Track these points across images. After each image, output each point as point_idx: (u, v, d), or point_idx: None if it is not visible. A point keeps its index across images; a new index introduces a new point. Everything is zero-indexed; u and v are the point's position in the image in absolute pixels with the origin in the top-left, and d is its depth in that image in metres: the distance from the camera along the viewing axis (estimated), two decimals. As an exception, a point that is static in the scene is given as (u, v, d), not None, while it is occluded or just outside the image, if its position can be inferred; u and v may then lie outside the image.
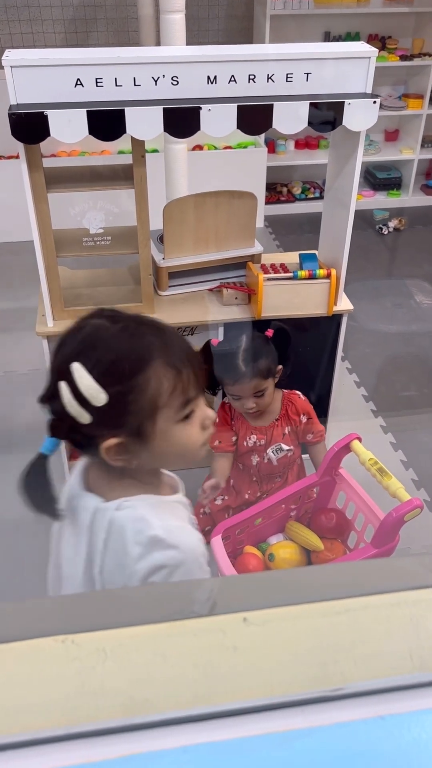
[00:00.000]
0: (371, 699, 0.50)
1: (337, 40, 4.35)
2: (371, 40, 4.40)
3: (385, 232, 4.30)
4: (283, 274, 2.06)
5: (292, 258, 2.25)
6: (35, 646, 0.52)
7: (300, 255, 2.12)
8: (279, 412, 1.93)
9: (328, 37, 4.35)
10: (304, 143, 4.62)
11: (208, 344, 1.97)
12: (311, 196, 4.59)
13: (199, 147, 4.18)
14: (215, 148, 4.21)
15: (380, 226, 4.34)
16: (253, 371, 1.77)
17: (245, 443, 1.92)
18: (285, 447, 1.91)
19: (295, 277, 2.04)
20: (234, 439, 1.93)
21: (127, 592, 0.65)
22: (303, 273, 2.03)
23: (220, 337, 2.16)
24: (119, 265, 2.39)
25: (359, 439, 1.77)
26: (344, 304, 2.15)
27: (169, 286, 2.20)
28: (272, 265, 2.15)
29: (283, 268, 2.13)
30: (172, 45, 2.69)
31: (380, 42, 4.37)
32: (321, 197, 3.65)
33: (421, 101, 4.40)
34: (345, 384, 2.91)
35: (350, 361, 3.06)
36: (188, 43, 2.88)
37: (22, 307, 3.43)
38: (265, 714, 0.49)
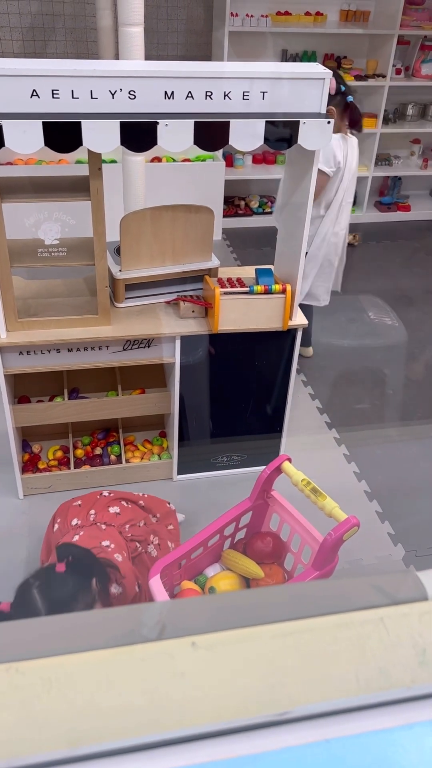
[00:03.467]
0: (318, 722, 0.50)
1: (294, 59, 4.43)
2: (327, 59, 4.49)
3: (340, 247, 4.38)
4: (239, 289, 2.08)
5: (248, 272, 2.27)
6: (-22, 676, 0.50)
7: (256, 270, 2.14)
8: None
9: (285, 55, 4.43)
10: (261, 158, 4.68)
11: None
12: (268, 210, 4.65)
13: (158, 159, 4.19)
14: (174, 160, 4.22)
15: (335, 241, 4.42)
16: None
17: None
18: None
19: (251, 292, 2.06)
20: None
21: (74, 617, 0.64)
22: (259, 288, 2.05)
23: (178, 351, 2.16)
24: (74, 275, 2.36)
25: (289, 460, 1.76)
26: (299, 318, 2.18)
27: (126, 298, 2.19)
28: (229, 279, 2.16)
29: (240, 282, 2.15)
30: (130, 58, 2.69)
31: (336, 61, 4.48)
32: (278, 212, 3.69)
33: (375, 120, 4.52)
34: (300, 397, 2.95)
35: (305, 374, 3.10)
36: (147, 57, 2.88)
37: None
38: (214, 740, 0.49)
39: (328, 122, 1.75)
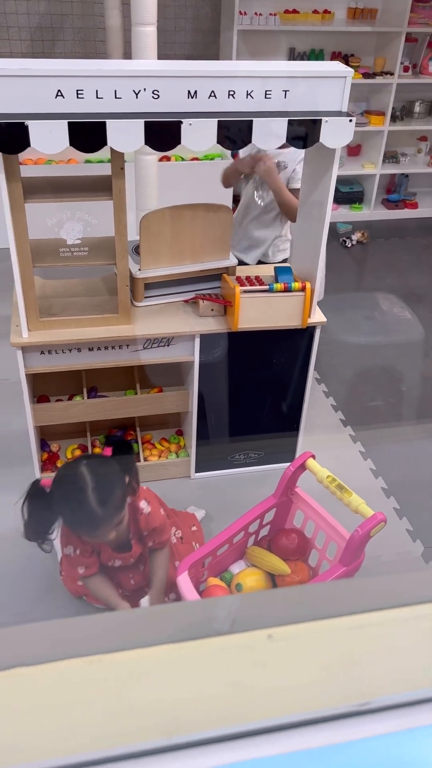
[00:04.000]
0: (399, 712, 0.51)
1: (302, 57, 4.43)
2: (335, 57, 4.50)
3: (349, 245, 4.39)
4: (259, 287, 2.08)
5: (265, 270, 2.27)
6: (63, 668, 0.51)
7: (275, 268, 2.15)
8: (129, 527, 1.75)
9: (293, 54, 4.43)
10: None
11: (37, 486, 1.67)
12: (276, 208, 4.65)
13: (167, 158, 4.19)
14: (183, 159, 4.23)
15: (344, 238, 4.43)
16: (111, 512, 1.57)
17: (110, 563, 1.80)
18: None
19: (270, 290, 2.06)
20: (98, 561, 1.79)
21: (151, 611, 0.65)
22: (279, 286, 2.06)
23: (197, 349, 2.17)
24: (91, 275, 2.37)
25: (313, 457, 1.77)
26: (317, 316, 2.19)
27: (145, 297, 2.20)
28: (247, 278, 2.17)
29: (258, 280, 2.16)
30: (143, 58, 2.69)
31: (343, 59, 4.48)
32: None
33: (383, 118, 4.52)
34: (314, 395, 2.95)
35: (319, 372, 3.10)
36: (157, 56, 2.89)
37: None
38: (300, 730, 0.50)
39: (350, 120, 1.76)
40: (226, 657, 0.53)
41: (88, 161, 4.08)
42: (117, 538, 1.65)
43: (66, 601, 1.96)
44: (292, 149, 2.27)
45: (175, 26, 4.32)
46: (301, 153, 2.23)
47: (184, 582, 1.58)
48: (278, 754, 0.48)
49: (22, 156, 4.15)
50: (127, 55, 3.77)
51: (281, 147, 2.09)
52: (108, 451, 1.68)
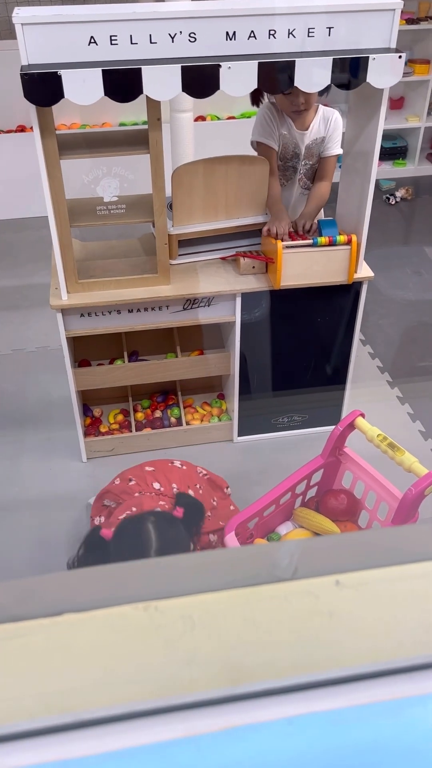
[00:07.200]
0: None
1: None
2: (376, 4, 4.28)
3: (393, 202, 4.22)
4: (302, 242, 2.00)
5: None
6: (116, 614, 0.48)
7: (319, 222, 2.06)
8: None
9: None
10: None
11: (96, 534, 1.58)
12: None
13: (202, 118, 4.08)
14: (218, 118, 4.11)
15: (387, 196, 4.27)
16: None
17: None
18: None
19: (315, 244, 1.98)
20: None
21: (206, 556, 0.62)
22: (323, 240, 1.98)
23: (238, 309, 2.11)
24: (126, 236, 2.33)
25: (363, 416, 1.71)
26: (364, 271, 2.10)
27: (179, 255, 2.14)
28: (289, 233, 2.09)
29: (301, 234, 2.08)
30: (177, 0, 2.58)
31: (385, 6, 4.25)
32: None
33: (428, 66, 4.30)
34: (359, 356, 2.87)
35: (363, 332, 3.01)
36: None
37: (28, 285, 3.37)
38: (372, 681, 0.46)
39: (399, 56, 1.65)
40: (290, 604, 0.49)
41: (122, 124, 4.01)
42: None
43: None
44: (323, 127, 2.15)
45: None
46: (332, 123, 2.14)
47: (232, 542, 1.56)
48: (352, 706, 0.44)
49: (56, 121, 4.10)
50: None
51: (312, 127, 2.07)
52: (179, 512, 1.60)
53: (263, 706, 0.44)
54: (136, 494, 1.67)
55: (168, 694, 0.43)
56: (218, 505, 1.88)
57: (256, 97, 2.15)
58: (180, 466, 1.86)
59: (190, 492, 1.75)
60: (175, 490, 1.71)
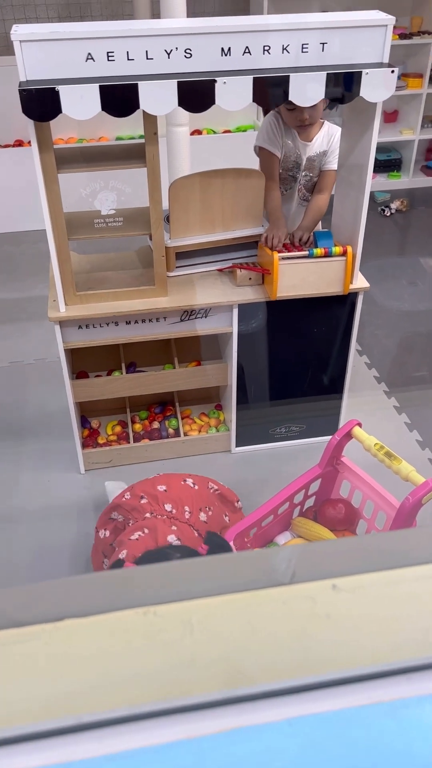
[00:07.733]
0: None
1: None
2: (369, 19, 4.34)
3: (388, 214, 4.26)
4: (298, 253, 2.02)
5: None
6: (116, 618, 0.49)
7: (314, 233, 2.08)
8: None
9: (325, 18, 4.29)
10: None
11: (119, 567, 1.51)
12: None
13: (198, 132, 4.12)
14: (214, 132, 4.15)
15: (382, 208, 4.30)
16: None
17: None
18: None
19: (310, 255, 2.00)
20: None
21: (204, 561, 0.62)
22: (319, 251, 2.00)
23: (235, 320, 2.13)
24: (120, 248, 2.35)
25: (360, 425, 1.72)
26: (360, 282, 2.12)
27: (176, 267, 2.16)
28: (285, 245, 2.11)
29: (297, 246, 2.10)
30: (173, 17, 2.63)
31: (378, 21, 4.32)
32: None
33: (421, 80, 4.35)
34: (355, 366, 2.88)
35: (360, 343, 3.02)
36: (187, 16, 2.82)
37: (26, 297, 3.38)
38: (370, 683, 0.46)
39: (392, 71, 1.68)
40: (288, 608, 0.50)
41: (119, 138, 4.05)
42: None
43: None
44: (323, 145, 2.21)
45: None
46: (335, 139, 2.18)
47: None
48: (351, 707, 0.45)
49: (53, 135, 4.14)
50: (155, 15, 3.70)
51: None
52: (204, 550, 1.56)
53: (263, 708, 0.44)
54: (147, 515, 1.65)
55: (168, 696, 0.44)
56: (230, 519, 1.87)
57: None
58: (192, 485, 1.81)
59: (202, 515, 1.73)
60: (187, 515, 1.68)
